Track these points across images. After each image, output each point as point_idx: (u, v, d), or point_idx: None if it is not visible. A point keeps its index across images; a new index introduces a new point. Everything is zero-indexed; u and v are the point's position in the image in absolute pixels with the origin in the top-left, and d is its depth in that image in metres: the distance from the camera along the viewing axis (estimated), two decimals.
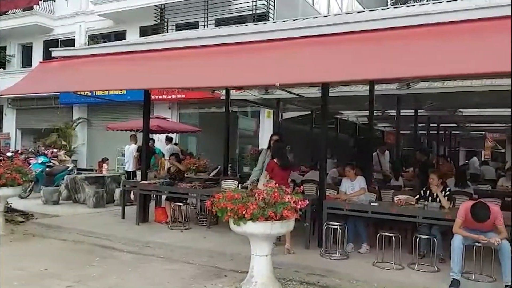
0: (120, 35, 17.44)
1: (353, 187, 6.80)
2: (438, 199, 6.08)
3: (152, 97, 13.09)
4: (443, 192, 6.16)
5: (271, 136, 7.42)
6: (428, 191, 6.27)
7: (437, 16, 5.01)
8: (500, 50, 4.35)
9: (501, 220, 4.94)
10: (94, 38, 18.32)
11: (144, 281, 5.12)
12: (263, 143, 14.22)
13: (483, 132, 24.08)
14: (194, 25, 14.80)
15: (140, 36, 16.15)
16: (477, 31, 4.78)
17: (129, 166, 11.78)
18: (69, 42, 18.60)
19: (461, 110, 13.04)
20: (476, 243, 5.08)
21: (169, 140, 13.16)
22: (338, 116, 15.83)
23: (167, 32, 15.26)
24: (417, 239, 5.79)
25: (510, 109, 12.38)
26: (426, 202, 6.05)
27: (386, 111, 12.72)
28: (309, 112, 13.88)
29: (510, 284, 4.75)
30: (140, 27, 17.19)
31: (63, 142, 17.49)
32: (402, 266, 5.67)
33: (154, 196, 8.80)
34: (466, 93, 9.09)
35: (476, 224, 4.95)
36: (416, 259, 5.74)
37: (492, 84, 8.47)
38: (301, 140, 13.56)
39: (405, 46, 5.01)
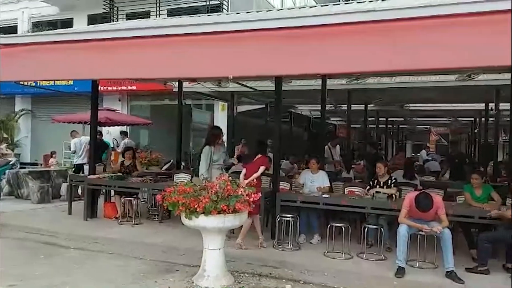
0: (66, 23, 16.64)
1: (313, 179, 6.88)
2: (385, 187, 6.38)
3: (101, 88, 12.66)
4: (389, 181, 6.45)
5: (216, 133, 7.24)
6: (375, 181, 6.56)
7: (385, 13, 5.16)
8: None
9: (443, 209, 5.21)
10: (38, 26, 17.37)
11: (92, 278, 4.95)
12: None
13: (428, 126, 25.27)
14: (145, 15, 14.41)
15: (88, 25, 15.51)
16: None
17: (83, 159, 11.36)
18: (11, 29, 17.51)
19: (408, 105, 13.60)
20: (420, 232, 5.32)
21: (124, 134, 12.77)
22: (292, 110, 16.02)
23: (117, 21, 14.76)
24: (366, 229, 6.00)
25: (453, 104, 13.15)
26: (374, 191, 6.33)
27: (338, 105, 13.01)
28: (264, 106, 13.95)
29: (451, 270, 5.02)
30: (88, 15, 16.50)
31: (5, 135, 16.56)
32: (351, 255, 5.85)
33: (103, 190, 8.53)
34: (413, 88, 9.46)
35: (420, 214, 5.19)
36: (364, 248, 5.95)
37: (437, 80, 8.87)
38: (256, 133, 13.61)
39: (351, 42, 5.12)
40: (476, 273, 5.18)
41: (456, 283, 4.88)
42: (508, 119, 7.79)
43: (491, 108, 10.67)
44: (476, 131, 15.96)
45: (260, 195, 4.77)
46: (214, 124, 14.48)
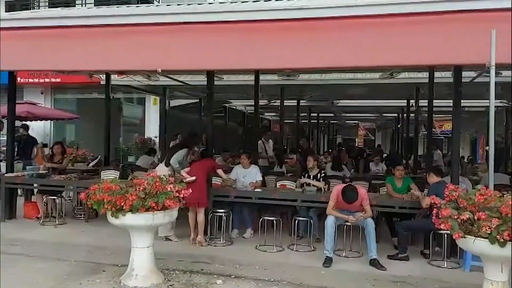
0: None
1: (246, 174, 6.89)
2: (314, 180, 6.59)
3: (21, 80, 11.84)
4: (319, 174, 6.68)
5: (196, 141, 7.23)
6: (306, 174, 6.76)
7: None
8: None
9: (367, 201, 5.48)
10: None
11: (11, 282, 4.60)
12: (150, 131, 13.78)
13: (357, 122, 26.45)
14: (70, 4, 13.63)
15: (6, 12, 14.36)
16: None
17: None
18: None
19: (337, 101, 14.11)
20: (347, 223, 5.56)
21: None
22: (227, 105, 15.98)
23: (39, 8, 13.82)
24: (296, 222, 6.15)
25: (378, 101, 13.85)
26: (304, 183, 6.53)
27: (271, 101, 13.19)
28: (198, 100, 13.77)
29: (374, 258, 5.30)
30: (6, 1, 15.31)
31: None
32: (283, 248, 5.98)
33: (23, 189, 7.98)
34: (341, 85, 9.84)
35: (346, 205, 5.42)
36: (295, 240, 6.10)
37: (363, 78, 9.28)
38: (190, 128, 13.41)
39: (279, 39, 5.22)
40: (397, 259, 5.52)
41: (378, 270, 5.16)
42: (427, 114, 8.33)
43: (412, 104, 11.37)
44: (399, 126, 16.93)
45: (190, 190, 4.68)
46: (144, 119, 14.17)
